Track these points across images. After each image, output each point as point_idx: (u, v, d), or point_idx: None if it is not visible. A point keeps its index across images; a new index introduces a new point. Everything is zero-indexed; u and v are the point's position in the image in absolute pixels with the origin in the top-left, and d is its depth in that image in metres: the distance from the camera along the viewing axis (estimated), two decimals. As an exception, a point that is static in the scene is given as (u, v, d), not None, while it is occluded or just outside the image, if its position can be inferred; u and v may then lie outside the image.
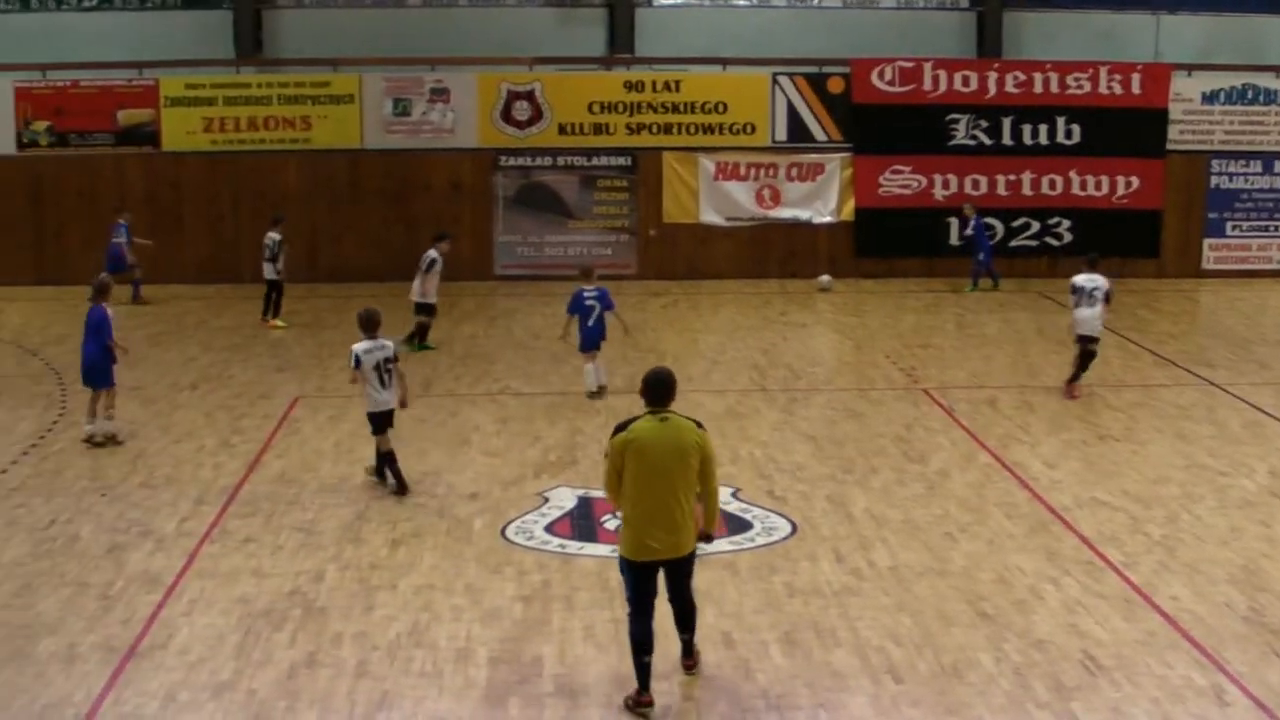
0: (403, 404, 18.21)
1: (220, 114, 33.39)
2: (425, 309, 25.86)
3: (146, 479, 18.75)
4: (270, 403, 22.43)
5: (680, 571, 12.23)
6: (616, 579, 14.39)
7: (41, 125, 33.45)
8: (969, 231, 33.14)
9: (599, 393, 22.49)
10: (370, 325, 17.99)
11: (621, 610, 13.71)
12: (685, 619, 12.50)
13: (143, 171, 33.31)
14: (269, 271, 28.78)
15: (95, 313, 20.19)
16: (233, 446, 20.17)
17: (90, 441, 20.12)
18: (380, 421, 18.04)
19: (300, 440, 20.46)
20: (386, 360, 17.96)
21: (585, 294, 22.41)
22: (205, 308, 29.28)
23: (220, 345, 26.58)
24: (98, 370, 20.21)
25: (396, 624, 13.97)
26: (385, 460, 18.18)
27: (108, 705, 12.39)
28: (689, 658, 12.59)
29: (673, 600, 12.35)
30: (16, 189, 33.32)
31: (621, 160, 33.73)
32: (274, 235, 28.85)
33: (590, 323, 22.38)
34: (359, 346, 17.90)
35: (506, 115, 33.64)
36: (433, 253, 25.79)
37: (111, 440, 20.25)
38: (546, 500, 17.72)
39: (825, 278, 30.49)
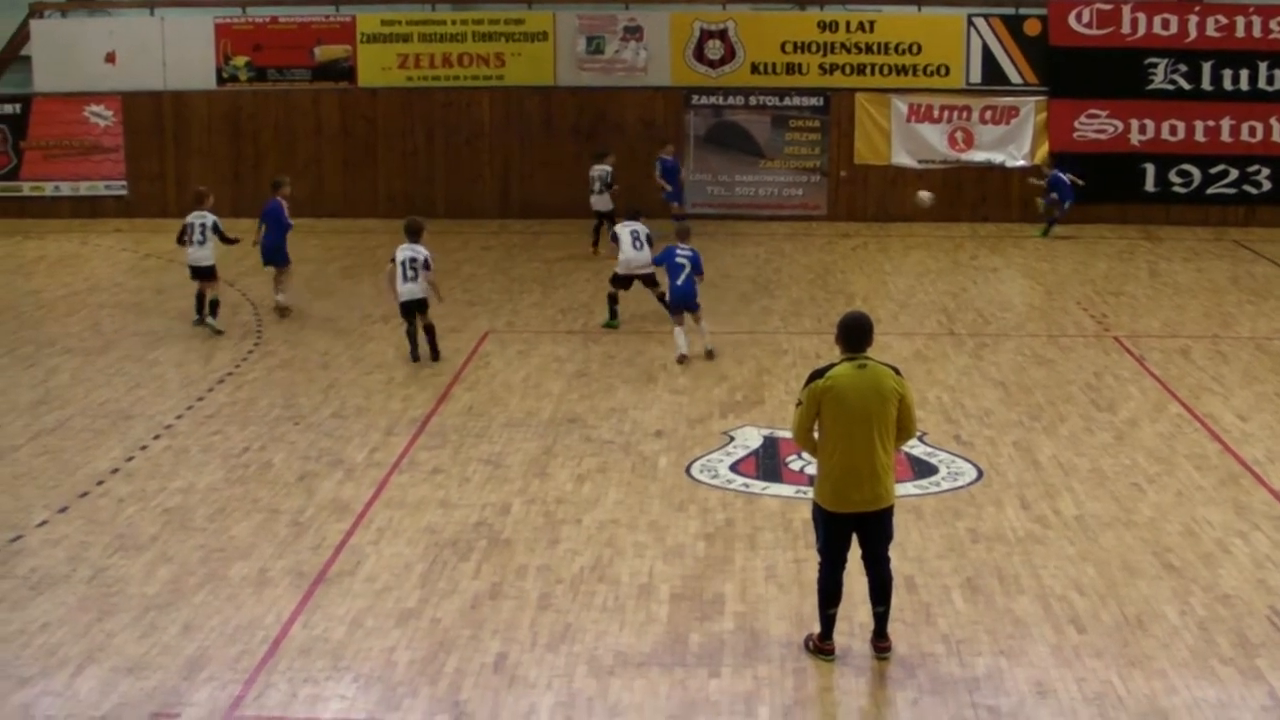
0: (438, 298, 21.60)
1: (415, 50, 33.69)
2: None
3: (338, 409, 19.08)
4: (460, 336, 22.67)
5: (878, 528, 11.86)
6: (800, 519, 14.44)
7: (241, 61, 33.99)
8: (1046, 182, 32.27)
9: (683, 360, 21.26)
10: (412, 233, 21.43)
11: (804, 551, 13.74)
12: (881, 590, 12.01)
13: (338, 106, 33.74)
14: (601, 203, 29.43)
15: (272, 205, 24.10)
16: (422, 379, 20.44)
17: (281, 311, 23.66)
18: (408, 310, 21.19)
19: (489, 374, 20.68)
20: (412, 260, 21.09)
21: (678, 251, 21.55)
22: (397, 242, 29.51)
23: (412, 279, 26.88)
24: (278, 252, 24.01)
25: (580, 558, 14.10)
26: (410, 334, 21.31)
27: (296, 629, 12.66)
28: (882, 639, 12.07)
29: (868, 567, 11.99)
30: (216, 123, 33.93)
31: (813, 100, 33.52)
32: (605, 167, 29.55)
33: (679, 281, 21.36)
34: (400, 247, 21.31)
35: (699, 54, 33.57)
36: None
37: (285, 312, 23.48)
38: (732, 439, 17.75)
39: (925, 194, 29.33)
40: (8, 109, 34.40)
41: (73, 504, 15.85)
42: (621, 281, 23.04)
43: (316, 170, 33.26)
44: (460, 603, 13.12)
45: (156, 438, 18.08)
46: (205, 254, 23.47)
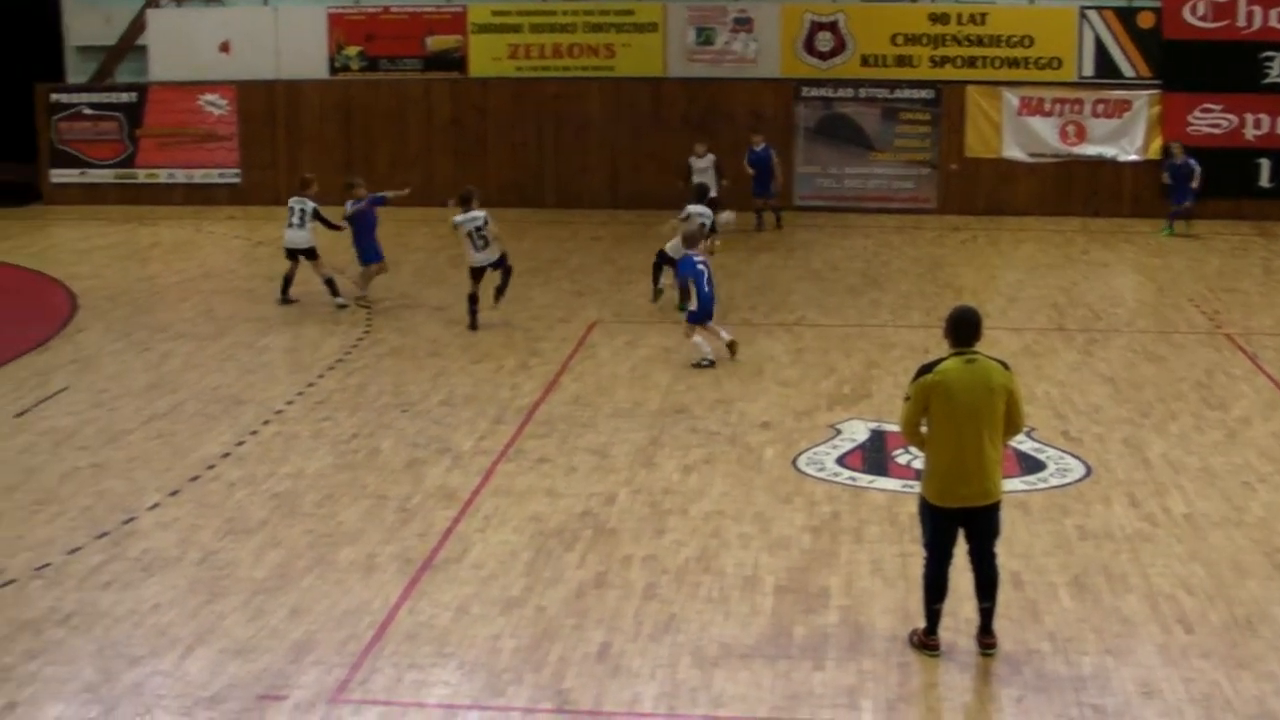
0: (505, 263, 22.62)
1: (526, 40, 33.83)
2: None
3: (447, 397, 19.20)
4: (568, 326, 22.76)
5: (986, 524, 11.77)
6: (906, 514, 14.38)
7: (353, 50, 34.27)
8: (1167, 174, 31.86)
9: (713, 364, 20.61)
10: (468, 201, 22.42)
11: (910, 545, 13.68)
12: (987, 586, 11.92)
13: (449, 96, 33.94)
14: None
15: (371, 202, 24.40)
16: (530, 368, 20.53)
17: (362, 303, 23.96)
18: (477, 274, 22.45)
19: (596, 364, 20.74)
20: (479, 228, 22.21)
21: (696, 259, 21.11)
22: (507, 232, 29.58)
23: (520, 269, 26.90)
24: (372, 250, 24.35)
25: (685, 549, 14.12)
26: (472, 298, 22.62)
27: (403, 614, 12.75)
28: (988, 635, 11.95)
29: (974, 562, 11.89)
30: (328, 112, 34.22)
31: (924, 93, 33.36)
32: (712, 156, 29.78)
33: (707, 288, 20.77)
34: (457, 217, 22.35)
35: (809, 46, 33.50)
36: None
37: (365, 303, 23.94)
38: (839, 432, 17.71)
39: (727, 215, 28.56)
40: (124, 98, 34.86)
41: (184, 487, 16.05)
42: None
43: (427, 160, 33.46)
44: (565, 591, 13.17)
45: (267, 423, 18.27)
46: (301, 236, 24.43)
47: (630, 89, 33.69)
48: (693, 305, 20.83)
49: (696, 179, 28.79)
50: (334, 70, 34.34)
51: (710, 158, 29.69)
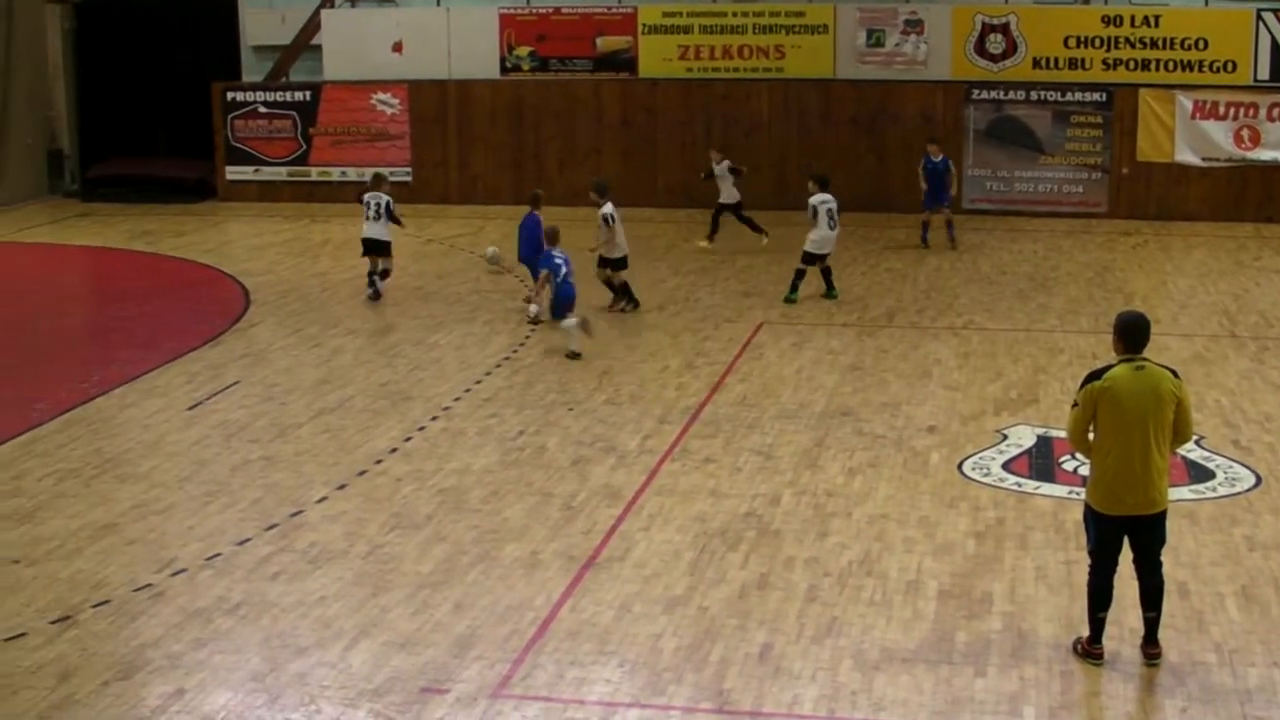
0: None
1: (695, 42, 33.85)
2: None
3: (612, 396, 19.28)
4: (735, 327, 22.75)
5: (1151, 532, 11.62)
6: (1072, 521, 14.22)
7: (524, 51, 34.50)
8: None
9: (578, 354, 21.28)
10: (603, 191, 23.74)
11: (1075, 553, 13.53)
12: (1153, 595, 11.75)
13: (619, 97, 34.06)
14: (728, 196, 29.30)
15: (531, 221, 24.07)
16: (696, 368, 20.55)
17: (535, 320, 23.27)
18: (619, 264, 23.44)
19: (763, 365, 20.72)
20: (608, 219, 23.41)
21: (556, 254, 22.07)
22: (675, 231, 29.79)
23: (688, 269, 27.05)
24: (533, 264, 23.65)
25: (849, 552, 14.07)
26: (623, 288, 23.73)
27: (565, 611, 12.83)
28: (1152, 645, 11.79)
29: (1140, 571, 11.73)
30: (499, 112, 34.48)
31: (1096, 96, 32.92)
32: (728, 162, 29.32)
33: (561, 279, 21.90)
34: (610, 208, 23.35)
35: (980, 48, 33.20)
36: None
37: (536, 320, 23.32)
38: (1005, 437, 17.55)
39: (490, 250, 28.02)
40: (298, 96, 35.37)
41: (352, 481, 16.27)
42: (814, 259, 24.47)
43: (596, 160, 33.59)
44: (728, 592, 13.18)
45: (434, 419, 18.46)
46: (378, 230, 24.99)
47: (799, 90, 33.60)
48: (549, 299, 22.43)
49: (720, 184, 29.18)
50: (505, 70, 34.59)
51: (726, 164, 29.34)
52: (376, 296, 24.96)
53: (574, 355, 21.15)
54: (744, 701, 11.25)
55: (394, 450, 17.30)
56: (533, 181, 33.13)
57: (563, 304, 22.00)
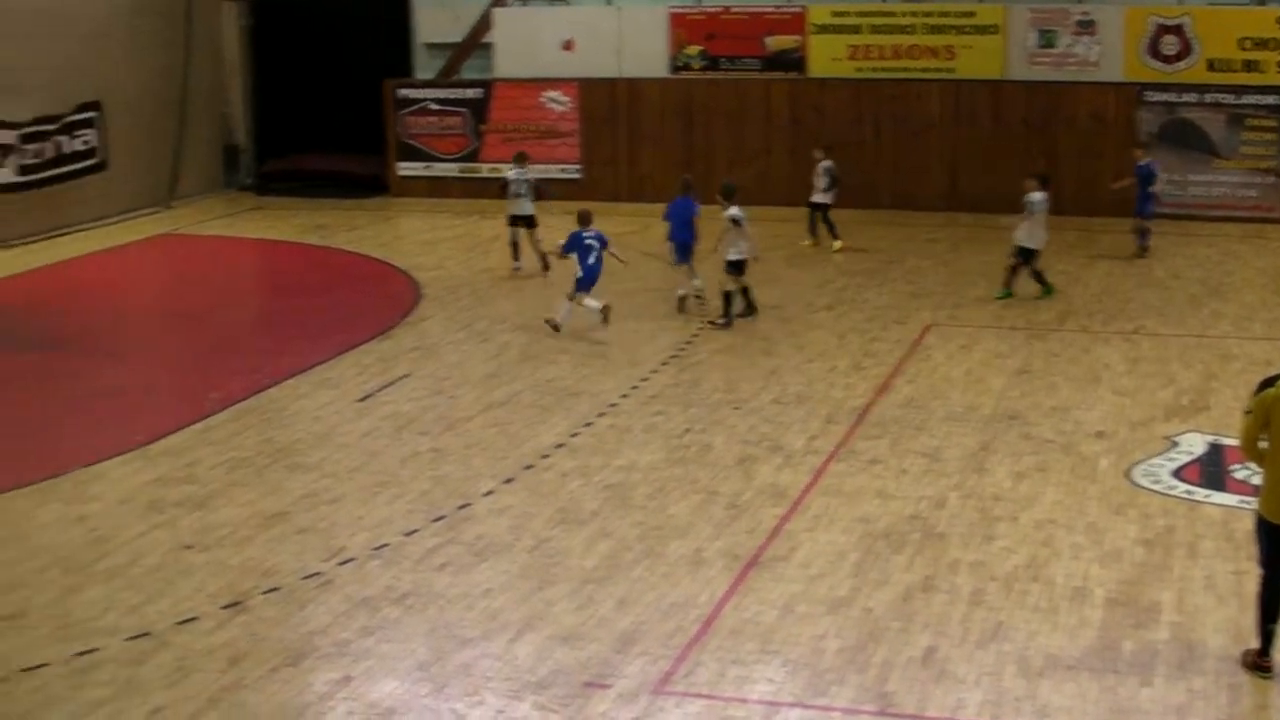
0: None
1: (865, 41, 33.66)
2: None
3: (779, 395, 19.26)
4: (903, 328, 22.62)
5: None
6: (1242, 530, 13.99)
7: (694, 50, 34.51)
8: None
9: (558, 327, 22.63)
10: (730, 194, 23.19)
11: (1245, 563, 13.31)
12: None
13: (788, 96, 33.96)
14: (824, 197, 29.27)
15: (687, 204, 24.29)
16: (863, 369, 20.47)
17: (684, 302, 23.90)
18: (736, 268, 22.88)
19: (930, 367, 20.59)
20: (735, 220, 22.80)
21: (584, 235, 23.14)
22: (843, 232, 29.64)
23: (856, 269, 26.93)
24: (687, 248, 23.89)
25: (1015, 556, 13.96)
26: (743, 293, 23.17)
27: (729, 610, 12.86)
28: None
29: None
30: (668, 110, 34.51)
31: (1272, 99, 32.29)
32: (829, 163, 29.30)
33: (590, 260, 22.97)
34: (732, 209, 22.92)
35: (1153, 49, 32.70)
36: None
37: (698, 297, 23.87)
38: (1175, 444, 17.30)
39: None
40: (470, 94, 35.66)
41: (519, 476, 16.41)
42: (1029, 255, 24.64)
43: (765, 159, 33.51)
44: (892, 594, 13.14)
45: (601, 415, 18.56)
46: (524, 205, 27.15)
47: (969, 91, 33.28)
48: (579, 273, 22.97)
49: (816, 180, 29.28)
50: (675, 69, 34.65)
51: (828, 164, 29.17)
52: (519, 269, 27.14)
53: (556, 326, 22.53)
54: (907, 704, 11.21)
55: (561, 445, 17.42)
56: (701, 180, 33.20)
57: (586, 283, 22.91)
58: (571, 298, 22.78)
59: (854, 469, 16.43)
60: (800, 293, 24.87)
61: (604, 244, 23.22)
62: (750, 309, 23.23)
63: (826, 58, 33.82)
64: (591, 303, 22.77)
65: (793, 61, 34.01)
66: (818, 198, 29.25)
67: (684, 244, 23.84)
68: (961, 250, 28.92)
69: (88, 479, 16.76)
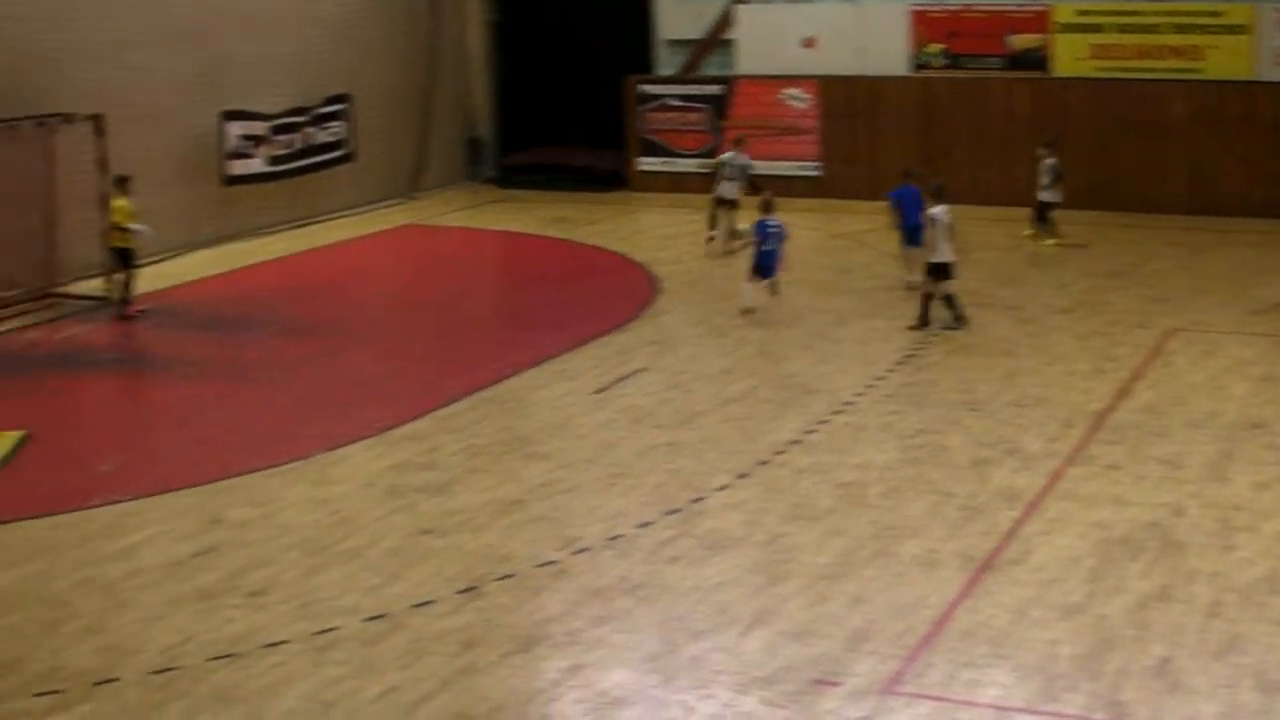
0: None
1: (1109, 41, 33.14)
2: None
3: (1016, 398, 19.08)
4: (1145, 333, 22.23)
5: None
6: None
7: (935, 48, 34.28)
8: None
9: (750, 311, 23.54)
10: (940, 194, 22.46)
11: None
12: None
13: (1030, 96, 33.57)
14: (1049, 195, 29.00)
15: (907, 190, 25.06)
16: (1103, 373, 20.18)
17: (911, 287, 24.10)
18: (940, 271, 22.23)
19: (1172, 373, 20.23)
20: (939, 222, 22.10)
21: (767, 224, 23.58)
22: (1083, 234, 29.24)
23: (1099, 272, 26.52)
24: (917, 232, 24.04)
25: (1255, 568, 13.69)
26: (947, 300, 22.33)
27: (961, 612, 12.80)
28: None
29: None
30: (909, 109, 34.32)
31: None
32: (1053, 160, 28.98)
33: (766, 247, 23.46)
34: (936, 209, 22.22)
35: None
36: None
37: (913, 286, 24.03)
38: None
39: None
40: (711, 90, 35.81)
41: (753, 471, 16.48)
42: None
43: (1005, 158, 33.12)
44: (1127, 602, 12.97)
45: (836, 413, 18.56)
46: (731, 189, 28.57)
47: (1216, 92, 32.60)
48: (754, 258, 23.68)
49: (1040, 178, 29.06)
50: (915, 67, 34.45)
51: (1051, 161, 28.73)
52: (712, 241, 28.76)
53: (748, 310, 23.45)
54: (1139, 714, 11.07)
55: (795, 442, 17.46)
56: (941, 179, 33.04)
57: (759, 268, 23.52)
58: (749, 280, 23.57)
59: (1091, 474, 16.23)
60: (1040, 294, 24.58)
61: (782, 236, 23.61)
62: (958, 320, 22.46)
63: (1070, 57, 33.38)
64: (749, 289, 23.63)
65: (1035, 60, 33.63)
66: (1044, 195, 28.93)
67: (915, 228, 23.93)
68: (1205, 254, 28.34)
69: (332, 462, 17.20)
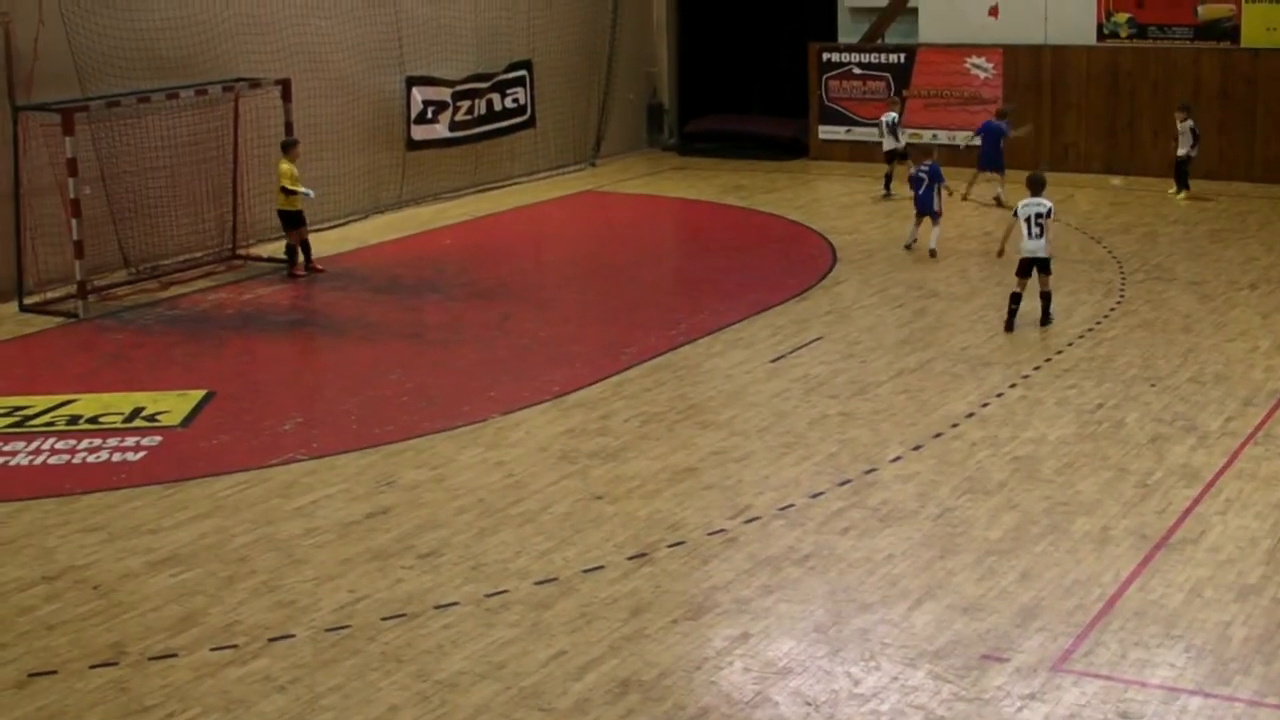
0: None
1: (1307, 11, 32.46)
2: None
3: (1196, 374, 18.80)
4: (1326, 310, 21.82)
5: None
6: None
7: (1123, 18, 33.73)
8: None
9: (910, 246, 26.06)
10: (1037, 186, 21.07)
11: None
12: None
13: (1218, 67, 32.94)
14: (1188, 150, 29.90)
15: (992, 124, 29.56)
16: (1290, 352, 19.85)
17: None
18: (1024, 266, 20.86)
19: (1358, 351, 19.83)
20: (1039, 215, 20.68)
21: (919, 169, 25.69)
22: (1271, 208, 28.71)
23: (1284, 247, 26.07)
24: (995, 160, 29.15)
25: None
26: (1015, 298, 21.10)
27: (1133, 590, 12.67)
28: None
29: None
30: (1095, 79, 33.83)
31: None
32: (1191, 122, 29.72)
33: (920, 192, 25.40)
34: (1021, 202, 21.01)
35: None
36: None
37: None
38: None
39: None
40: (893, 59, 35.54)
41: (927, 443, 16.41)
42: None
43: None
44: (1305, 584, 12.78)
45: (1013, 386, 18.41)
46: (891, 142, 31.20)
47: None
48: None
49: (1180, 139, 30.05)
50: (1101, 37, 33.93)
51: (1189, 124, 29.78)
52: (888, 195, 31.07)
53: (931, 252, 25.41)
54: (1315, 698, 10.90)
55: (970, 415, 17.35)
56: (1128, 150, 32.60)
57: (917, 210, 25.78)
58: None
59: (1271, 453, 15.95)
60: (1224, 269, 24.16)
61: (935, 178, 25.26)
62: (1044, 318, 21.13)
63: (1261, 27, 32.67)
64: (911, 230, 26.02)
65: (1224, 31, 32.97)
66: (1183, 151, 29.85)
67: (991, 157, 29.51)
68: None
69: (507, 426, 17.38)
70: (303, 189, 24.97)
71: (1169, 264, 24.50)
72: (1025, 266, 20.93)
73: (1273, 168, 31.61)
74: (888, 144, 31.57)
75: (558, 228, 30.22)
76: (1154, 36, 33.47)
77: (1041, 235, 20.74)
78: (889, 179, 31.47)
